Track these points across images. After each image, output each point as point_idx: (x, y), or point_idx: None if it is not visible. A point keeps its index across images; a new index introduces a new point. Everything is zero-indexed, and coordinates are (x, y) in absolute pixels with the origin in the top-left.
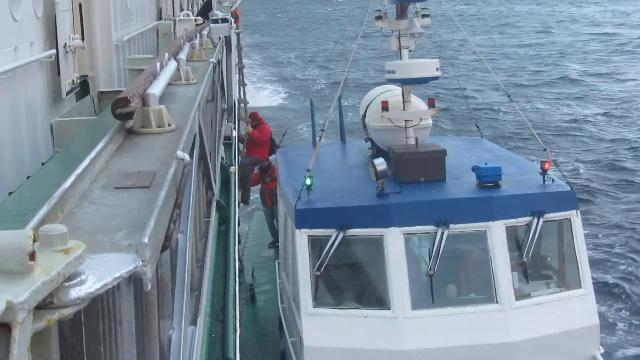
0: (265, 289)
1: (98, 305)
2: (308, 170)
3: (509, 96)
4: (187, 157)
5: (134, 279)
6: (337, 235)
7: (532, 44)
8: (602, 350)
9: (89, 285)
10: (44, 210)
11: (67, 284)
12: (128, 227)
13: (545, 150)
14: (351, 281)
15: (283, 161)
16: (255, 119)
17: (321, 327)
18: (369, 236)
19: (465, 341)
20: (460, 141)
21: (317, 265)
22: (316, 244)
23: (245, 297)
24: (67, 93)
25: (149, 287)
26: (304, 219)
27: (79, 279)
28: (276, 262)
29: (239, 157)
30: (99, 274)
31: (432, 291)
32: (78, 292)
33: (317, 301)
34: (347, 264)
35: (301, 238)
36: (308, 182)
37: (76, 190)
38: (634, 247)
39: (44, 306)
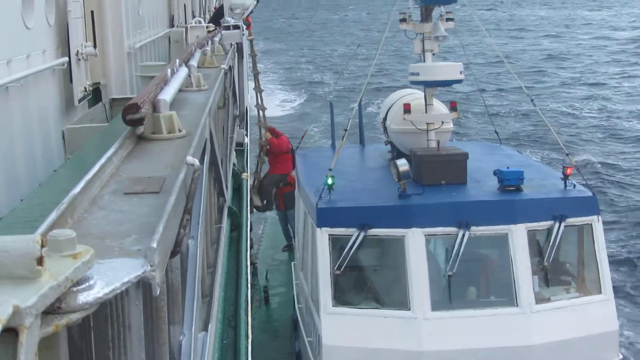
0: (279, 291)
1: (107, 310)
2: (330, 170)
3: (532, 100)
4: (197, 162)
5: (143, 284)
6: (358, 235)
7: (549, 47)
8: (621, 357)
9: (97, 290)
10: (53, 216)
11: (75, 289)
12: (137, 233)
13: (567, 155)
14: (371, 281)
15: (302, 162)
16: (273, 132)
17: (340, 326)
18: (390, 236)
19: (484, 344)
20: (479, 147)
21: (337, 264)
22: (337, 243)
23: (260, 299)
24: (80, 100)
25: (158, 292)
26: (326, 217)
27: (87, 284)
28: (292, 263)
29: (263, 175)
30: (107, 279)
31: (449, 292)
32: (86, 297)
33: (337, 300)
34: (367, 263)
35: (322, 237)
36: (330, 181)
37: (86, 196)
38: None
39: (52, 311)
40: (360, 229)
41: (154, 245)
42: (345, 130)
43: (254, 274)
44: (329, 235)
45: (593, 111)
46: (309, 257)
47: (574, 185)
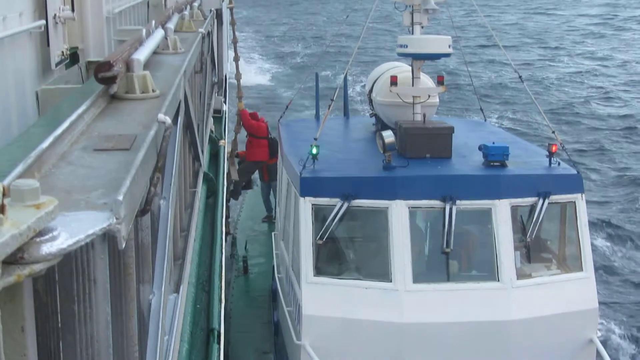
0: (258, 261)
1: (72, 264)
2: (315, 139)
3: (520, 77)
4: (168, 120)
5: (109, 238)
6: (341, 205)
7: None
8: (600, 334)
9: (61, 241)
10: (19, 169)
11: (38, 239)
12: (105, 187)
13: (553, 132)
14: (353, 252)
15: (286, 132)
16: (254, 117)
17: (321, 296)
18: (374, 207)
19: (464, 317)
20: (464, 123)
21: (319, 234)
22: (320, 213)
23: (239, 269)
24: (57, 64)
25: (123, 246)
26: (309, 187)
27: (50, 234)
28: (273, 233)
29: (239, 161)
30: (71, 231)
31: (447, 268)
32: (49, 247)
33: (318, 270)
34: (350, 234)
35: (305, 206)
36: (314, 151)
37: (54, 152)
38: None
39: (14, 261)
40: (343, 199)
41: (120, 198)
42: (332, 100)
43: (233, 244)
44: (312, 204)
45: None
46: (291, 226)
47: (559, 163)
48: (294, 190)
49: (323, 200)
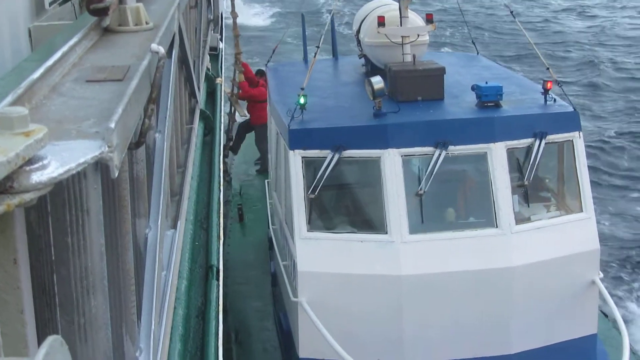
0: (253, 207)
1: (64, 194)
2: (302, 89)
3: (511, 12)
4: (162, 50)
5: (102, 168)
6: (332, 157)
7: None
8: (602, 275)
9: (52, 170)
10: (8, 99)
11: (27, 168)
12: (97, 117)
13: (548, 69)
14: (347, 205)
15: (274, 78)
16: (252, 82)
17: (315, 251)
18: (366, 157)
19: (464, 266)
20: (455, 58)
21: (311, 188)
22: (310, 166)
23: (234, 216)
24: (50, 3)
25: (116, 174)
26: (298, 139)
27: (40, 163)
28: (266, 181)
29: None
30: (62, 159)
31: (422, 212)
32: (40, 176)
33: (312, 225)
34: (342, 186)
35: (295, 159)
36: (302, 101)
37: (46, 83)
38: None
39: (4, 191)
40: (334, 150)
41: (112, 125)
42: (317, 47)
43: (228, 189)
44: (302, 157)
45: (578, 23)
46: (282, 179)
47: (555, 100)
48: (283, 142)
49: (313, 153)
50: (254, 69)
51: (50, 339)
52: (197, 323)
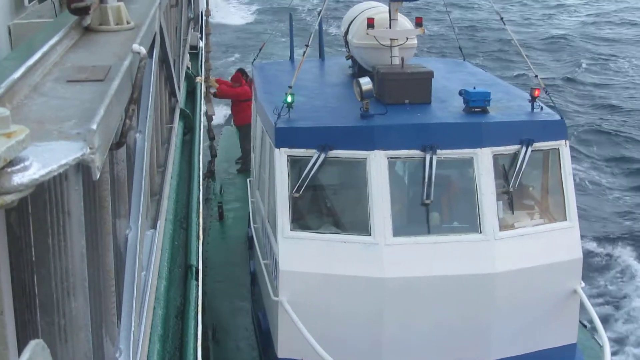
0: (233, 206)
1: (45, 195)
2: (290, 87)
3: (501, 18)
4: (143, 50)
5: (83, 169)
6: (318, 156)
7: None
8: (583, 285)
9: (33, 171)
10: None
11: (9, 169)
12: (78, 117)
13: (536, 76)
14: (331, 205)
15: (260, 76)
16: (236, 80)
17: (298, 251)
18: (352, 158)
19: (447, 271)
20: (442, 63)
21: (296, 187)
22: (296, 165)
23: (214, 215)
24: (30, 1)
25: (98, 176)
26: (284, 138)
27: (22, 164)
28: (248, 180)
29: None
30: (44, 161)
31: (428, 220)
32: (21, 178)
33: (295, 224)
34: (327, 187)
35: (280, 158)
36: (289, 99)
37: (26, 83)
38: (619, 178)
39: None
40: (320, 150)
41: (94, 127)
42: (307, 45)
43: (208, 187)
44: (288, 156)
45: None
46: (266, 177)
47: (542, 108)
48: (268, 140)
49: (299, 152)
50: (234, 68)
51: (33, 344)
52: (175, 323)
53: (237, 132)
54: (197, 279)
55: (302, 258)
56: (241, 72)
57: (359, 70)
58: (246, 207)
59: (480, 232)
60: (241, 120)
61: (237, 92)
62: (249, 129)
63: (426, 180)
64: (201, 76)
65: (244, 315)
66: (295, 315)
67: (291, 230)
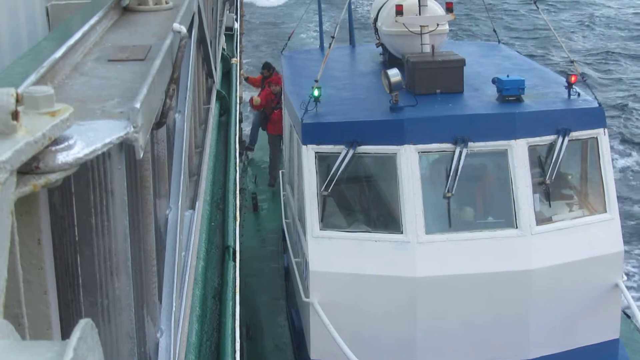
0: (268, 196)
1: (88, 175)
2: (316, 81)
3: (535, 2)
4: (184, 29)
5: (126, 148)
6: (346, 152)
7: None
8: (625, 278)
9: (77, 150)
10: (32, 78)
11: (53, 148)
12: (121, 96)
13: (573, 62)
14: (361, 202)
15: (288, 67)
16: (269, 76)
17: (328, 251)
18: (381, 154)
19: (482, 268)
20: (476, 47)
21: (324, 185)
22: (324, 162)
23: (248, 206)
24: None
25: (141, 155)
26: (312, 134)
27: (66, 143)
28: (280, 172)
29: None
30: (88, 140)
31: (449, 214)
32: (65, 157)
33: (324, 223)
34: (357, 183)
35: (308, 154)
36: (316, 93)
37: (67, 62)
38: None
39: (29, 171)
40: (348, 145)
41: (137, 105)
42: (333, 37)
43: (242, 178)
44: (316, 152)
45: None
46: (295, 173)
47: (579, 94)
48: (296, 136)
49: (327, 148)
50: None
51: (82, 323)
52: (213, 304)
53: (268, 138)
54: (234, 260)
55: (333, 258)
56: (265, 67)
57: (389, 58)
58: (281, 199)
59: (517, 227)
60: (272, 130)
61: (270, 98)
62: (279, 140)
63: (452, 173)
64: (236, 57)
65: (279, 312)
66: (326, 317)
67: (321, 229)
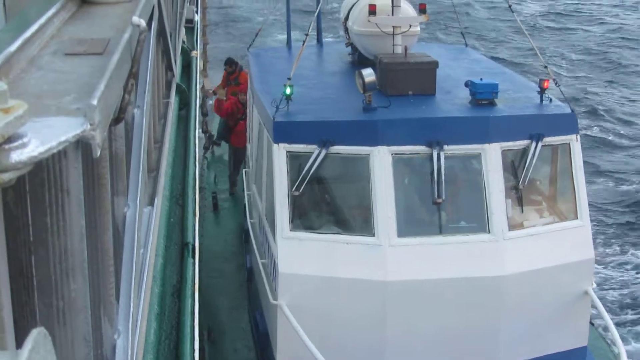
0: (227, 196)
1: (43, 173)
2: (289, 79)
3: (510, 6)
4: (143, 23)
5: (83, 146)
6: (319, 152)
7: None
8: (595, 285)
9: (32, 148)
10: None
11: (7, 146)
12: (77, 92)
13: (545, 67)
14: (332, 204)
15: (256, 64)
16: (228, 77)
17: (298, 252)
18: (354, 154)
19: (453, 273)
20: (444, 49)
21: (296, 185)
22: (296, 161)
23: (208, 205)
24: None
25: (98, 153)
26: (283, 132)
27: (20, 141)
28: (243, 170)
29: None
30: (43, 138)
31: (440, 220)
32: (19, 155)
33: (294, 224)
34: (328, 184)
35: (279, 153)
36: (288, 91)
37: (23, 55)
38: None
39: None
40: (321, 145)
41: (94, 102)
42: (306, 34)
43: (201, 176)
44: (287, 152)
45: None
46: (264, 172)
47: (551, 100)
48: (266, 134)
49: (299, 147)
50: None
51: (35, 333)
52: (172, 302)
53: (229, 148)
54: (193, 257)
55: (303, 260)
56: (229, 62)
57: (359, 58)
58: (241, 198)
59: (489, 232)
60: (235, 141)
61: (232, 108)
62: (241, 153)
63: (435, 177)
64: (196, 50)
65: (240, 314)
66: (295, 320)
67: (291, 230)
